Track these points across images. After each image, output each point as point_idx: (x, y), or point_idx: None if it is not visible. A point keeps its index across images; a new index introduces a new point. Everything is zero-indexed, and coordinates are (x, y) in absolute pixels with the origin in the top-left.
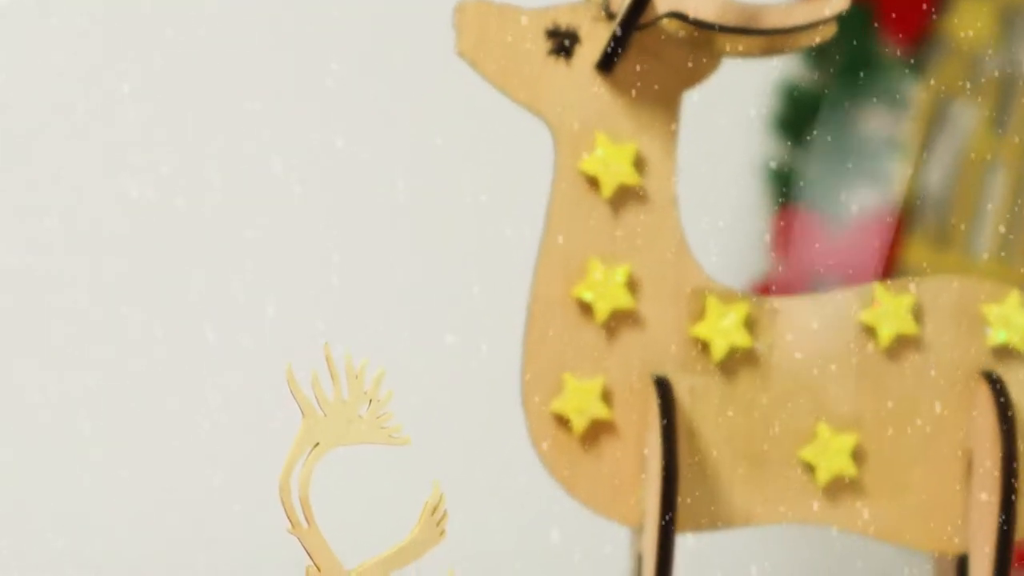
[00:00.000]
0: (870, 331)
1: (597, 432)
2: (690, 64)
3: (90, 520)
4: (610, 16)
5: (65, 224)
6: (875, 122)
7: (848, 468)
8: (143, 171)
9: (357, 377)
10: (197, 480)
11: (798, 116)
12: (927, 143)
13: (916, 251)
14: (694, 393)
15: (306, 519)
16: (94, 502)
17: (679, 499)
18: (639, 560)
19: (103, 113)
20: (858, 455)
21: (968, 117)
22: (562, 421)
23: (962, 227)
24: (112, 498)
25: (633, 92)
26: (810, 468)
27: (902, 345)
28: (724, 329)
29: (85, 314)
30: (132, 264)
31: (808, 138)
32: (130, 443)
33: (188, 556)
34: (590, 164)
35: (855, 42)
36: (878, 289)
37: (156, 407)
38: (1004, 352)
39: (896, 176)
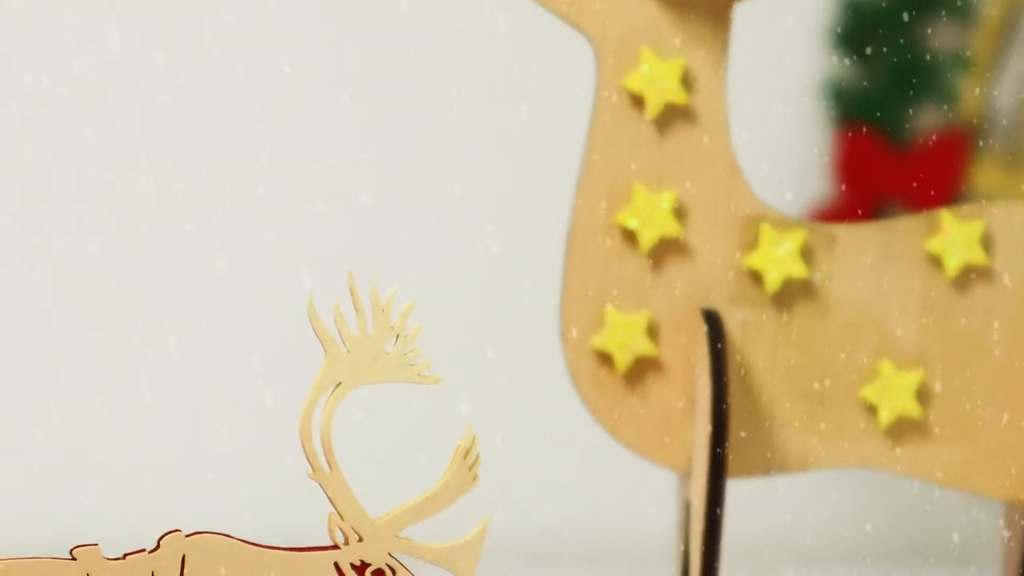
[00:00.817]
0: (936, 261)
1: (642, 370)
2: None
3: (103, 468)
4: None
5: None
6: (942, 36)
7: (912, 409)
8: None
9: (383, 310)
10: (213, 423)
11: (859, 29)
12: (997, 58)
13: (986, 174)
14: (746, 328)
15: (328, 463)
16: (105, 446)
17: (730, 442)
18: (687, 508)
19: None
20: (923, 395)
21: None
22: (604, 358)
23: None
24: (124, 439)
25: (681, 3)
26: (872, 408)
27: (971, 276)
28: (779, 259)
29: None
30: (155, 185)
31: (870, 53)
32: (141, 382)
33: (202, 504)
34: (634, 81)
35: None
36: (945, 216)
37: (170, 342)
38: None
39: (964, 94)
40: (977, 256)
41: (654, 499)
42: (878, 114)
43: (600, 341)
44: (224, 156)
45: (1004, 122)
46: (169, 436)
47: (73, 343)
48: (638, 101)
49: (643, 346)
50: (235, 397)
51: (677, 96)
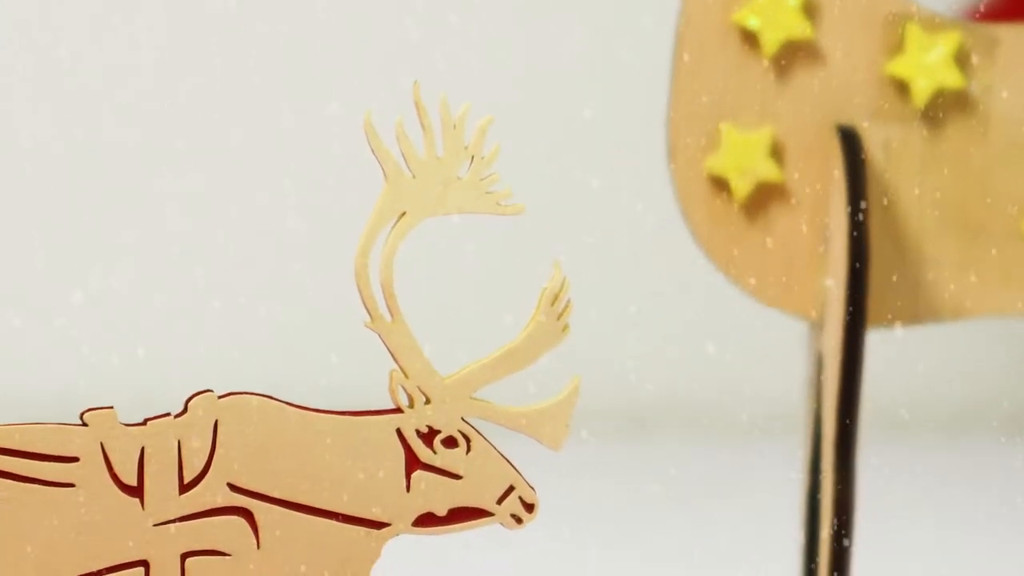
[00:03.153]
0: None
1: (764, 198)
2: None
3: (119, 322)
4: None
5: None
6: None
7: None
8: None
9: (455, 127)
10: (248, 263)
11: None
12: None
13: None
14: (890, 148)
15: (389, 310)
16: (123, 297)
17: (870, 286)
18: (819, 362)
19: None
20: None
21: None
22: (720, 184)
23: None
24: (145, 290)
25: None
26: None
27: None
28: (929, 65)
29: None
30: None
31: None
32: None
33: (236, 361)
34: None
35: None
36: None
37: (196, 180)
38: None
39: None
40: None
41: (776, 354)
42: None
43: (715, 164)
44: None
45: None
46: (195, 280)
47: (112, 199)
48: None
49: (766, 170)
50: (273, 229)
51: None
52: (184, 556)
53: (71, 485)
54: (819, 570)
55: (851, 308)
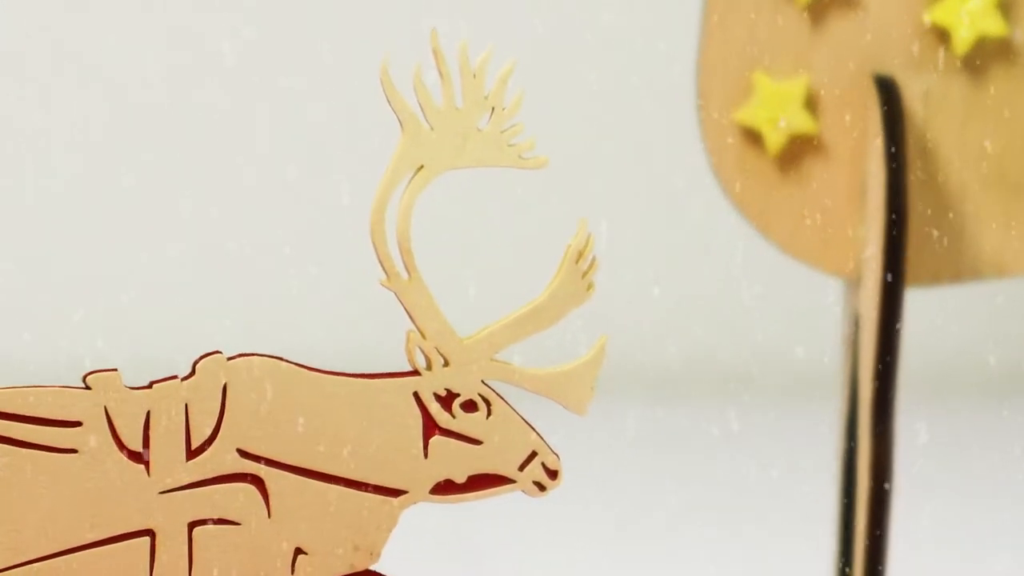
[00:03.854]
0: None
1: (799, 151)
2: None
3: (123, 282)
4: None
5: None
6: None
7: None
8: None
9: (475, 76)
10: (265, 216)
11: None
12: None
13: None
14: (929, 99)
15: (406, 268)
16: (128, 257)
17: (909, 243)
18: (855, 323)
19: None
20: None
21: None
22: (751, 137)
23: None
24: (155, 249)
25: None
26: None
27: None
28: (970, 12)
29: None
30: None
31: None
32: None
33: (247, 323)
34: None
35: None
36: None
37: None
38: None
39: None
40: None
41: (810, 314)
42: None
43: (746, 115)
44: None
45: None
46: (202, 237)
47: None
48: None
49: (800, 121)
50: (284, 185)
51: None
52: (192, 525)
53: (73, 451)
54: (856, 536)
55: (889, 265)
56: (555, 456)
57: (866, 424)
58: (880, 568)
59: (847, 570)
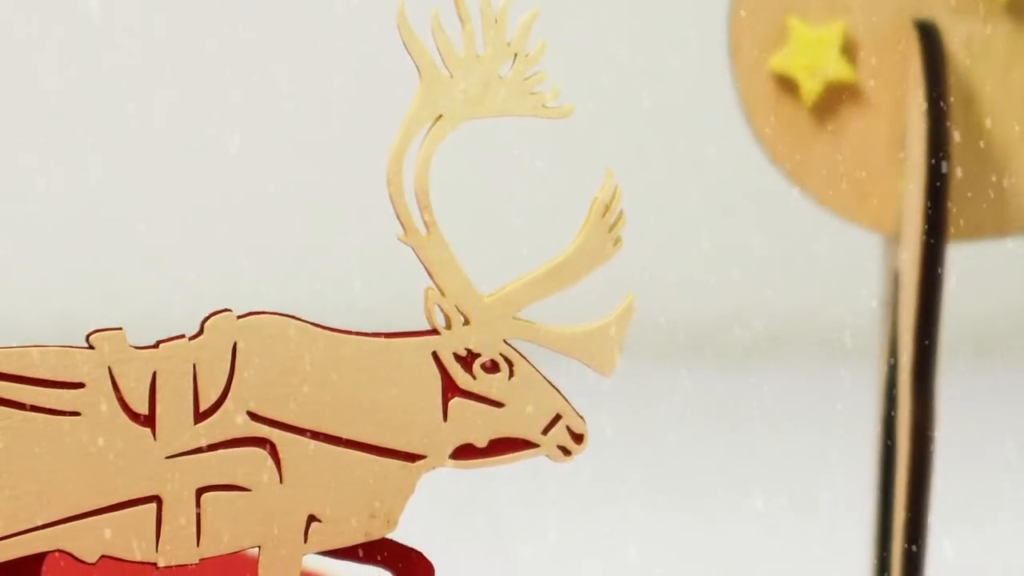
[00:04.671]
0: None
1: (835, 100)
2: None
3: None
4: None
5: None
6: None
7: None
8: None
9: (497, 21)
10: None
11: None
12: None
13: None
14: (972, 46)
15: (424, 222)
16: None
17: (951, 195)
18: (895, 279)
19: None
20: None
21: None
22: (786, 85)
23: None
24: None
25: None
26: None
27: None
28: None
29: None
30: None
31: None
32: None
33: (260, 278)
34: None
35: None
36: None
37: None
38: None
39: None
40: None
41: (847, 271)
42: None
43: (781, 62)
44: None
45: None
46: (210, 188)
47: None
48: None
49: (837, 69)
50: (296, 135)
51: None
52: (200, 491)
53: (76, 414)
54: (896, 500)
55: (930, 219)
56: (581, 419)
57: (906, 390)
58: (921, 540)
59: (887, 541)
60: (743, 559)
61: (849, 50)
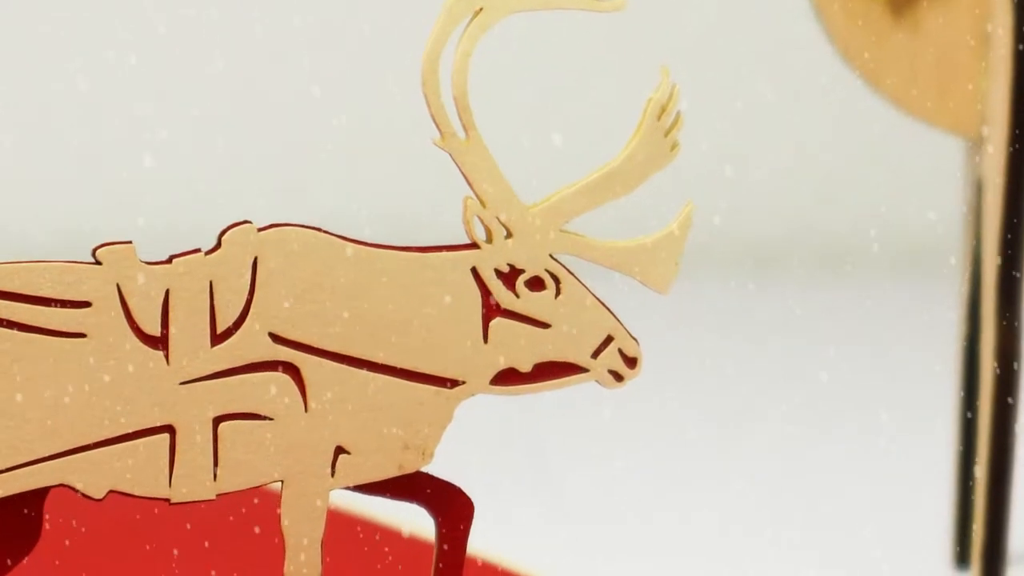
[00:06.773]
0: None
1: None
2: None
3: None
4: None
5: None
6: None
7: None
8: None
9: None
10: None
11: None
12: None
13: None
14: None
15: (463, 126)
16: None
17: None
18: (977, 188)
19: None
20: None
21: None
22: None
23: None
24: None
25: None
26: None
27: None
28: None
29: None
30: None
31: None
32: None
33: (278, 188)
34: None
35: None
36: None
37: None
38: None
39: None
40: None
41: (924, 179)
42: None
43: None
44: None
45: None
46: (228, 91)
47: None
48: None
49: None
50: (323, 32)
51: None
52: (217, 420)
53: (82, 335)
54: (979, 428)
55: (1016, 123)
56: (634, 341)
57: (991, 303)
58: (1008, 471)
59: (971, 470)
60: (811, 484)
61: None
